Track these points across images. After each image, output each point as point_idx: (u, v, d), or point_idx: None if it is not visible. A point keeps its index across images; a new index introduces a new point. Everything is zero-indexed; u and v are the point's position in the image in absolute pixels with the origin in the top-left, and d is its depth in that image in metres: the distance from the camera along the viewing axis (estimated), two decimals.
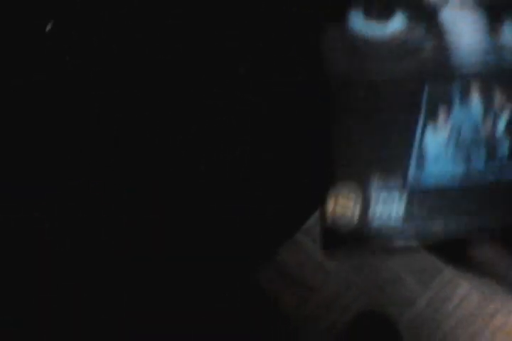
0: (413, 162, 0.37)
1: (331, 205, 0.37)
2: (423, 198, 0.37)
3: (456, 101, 0.38)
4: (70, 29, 0.42)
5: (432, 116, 0.37)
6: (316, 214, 0.39)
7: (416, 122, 0.37)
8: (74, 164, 0.41)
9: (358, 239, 0.37)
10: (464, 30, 0.39)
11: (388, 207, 0.37)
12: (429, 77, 0.38)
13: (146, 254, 0.40)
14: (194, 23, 0.41)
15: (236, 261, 0.41)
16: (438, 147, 0.37)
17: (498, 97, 0.38)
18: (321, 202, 0.37)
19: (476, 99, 0.38)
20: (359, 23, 0.39)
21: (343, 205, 0.37)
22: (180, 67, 0.41)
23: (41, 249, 0.40)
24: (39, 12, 0.42)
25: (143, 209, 0.40)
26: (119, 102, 0.41)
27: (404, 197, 0.37)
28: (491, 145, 0.37)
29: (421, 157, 0.37)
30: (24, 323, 0.39)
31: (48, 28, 0.42)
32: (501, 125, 0.37)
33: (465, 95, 0.38)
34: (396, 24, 0.39)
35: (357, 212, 0.37)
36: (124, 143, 0.41)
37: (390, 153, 0.38)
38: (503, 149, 0.37)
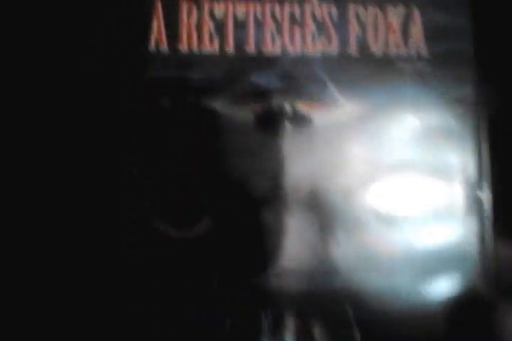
0: None
1: None
2: None
3: (264, 338, 0.30)
4: None
5: None
6: None
7: None
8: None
9: None
10: (288, 242, 0.30)
11: None
12: (232, 311, 0.30)
13: None
14: None
15: None
16: None
17: (317, 335, 0.30)
18: None
19: (289, 337, 0.30)
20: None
21: None
22: None
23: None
24: None
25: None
26: None
27: None
28: None
29: None
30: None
31: None
32: None
33: (275, 331, 0.30)
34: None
35: None
36: None
37: None
38: None
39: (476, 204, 0.31)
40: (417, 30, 0.32)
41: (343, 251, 0.31)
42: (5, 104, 0.33)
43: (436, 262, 0.31)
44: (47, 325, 0.34)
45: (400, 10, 0.32)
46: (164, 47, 0.31)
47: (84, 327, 0.32)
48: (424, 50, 0.32)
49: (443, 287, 0.31)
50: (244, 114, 0.31)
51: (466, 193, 0.31)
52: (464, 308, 0.31)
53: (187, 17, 0.31)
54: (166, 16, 0.31)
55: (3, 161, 0.35)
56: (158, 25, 0.31)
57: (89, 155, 0.31)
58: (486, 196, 0.31)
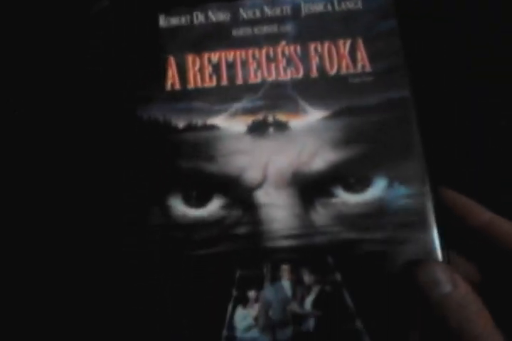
0: (224, 332, 0.39)
1: None
2: None
3: (266, 282, 0.40)
4: None
5: (242, 295, 0.40)
6: None
7: (226, 300, 0.40)
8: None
9: None
10: (278, 213, 0.41)
11: None
12: (240, 264, 0.40)
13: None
14: None
15: None
16: (248, 320, 0.40)
17: (307, 279, 0.40)
18: None
19: (285, 281, 0.40)
20: (179, 209, 0.41)
21: None
22: None
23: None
24: None
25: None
26: None
27: None
28: (297, 321, 0.39)
29: (231, 328, 0.39)
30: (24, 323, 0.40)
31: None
32: (308, 303, 0.39)
33: (275, 277, 0.40)
34: (213, 208, 0.41)
35: None
36: None
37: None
38: (309, 324, 0.39)
39: None
40: (361, 54, 0.43)
41: (321, 216, 0.40)
42: (5, 105, 0.41)
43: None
44: (46, 324, 0.39)
45: (348, 41, 0.44)
46: (177, 87, 0.43)
47: (84, 327, 0.40)
48: (368, 68, 0.43)
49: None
50: (238, 125, 0.42)
51: None
52: None
53: (192, 64, 0.44)
54: (177, 65, 0.44)
55: (3, 161, 0.41)
56: (172, 73, 0.44)
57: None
58: None
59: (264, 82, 0.43)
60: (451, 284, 0.37)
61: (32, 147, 0.43)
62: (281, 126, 0.42)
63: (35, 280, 0.41)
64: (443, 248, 0.40)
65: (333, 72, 0.43)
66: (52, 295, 0.41)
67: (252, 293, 0.39)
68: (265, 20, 0.45)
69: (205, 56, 0.44)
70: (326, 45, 0.44)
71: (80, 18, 0.45)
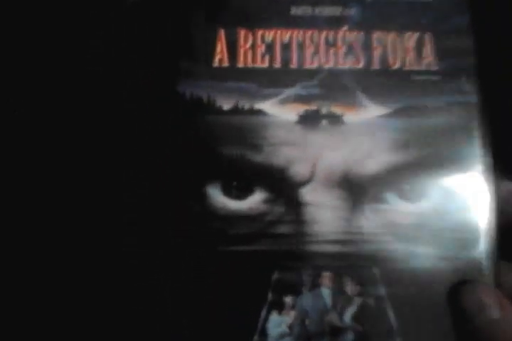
0: (256, 338, 0.36)
1: None
2: None
3: (305, 289, 0.37)
4: None
5: (278, 300, 0.36)
6: None
7: (261, 303, 0.36)
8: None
9: None
10: (324, 214, 0.37)
11: None
12: (278, 266, 0.37)
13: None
14: None
15: None
16: (283, 327, 0.36)
17: (349, 289, 0.37)
18: None
19: (325, 289, 0.37)
20: (217, 199, 0.37)
21: None
22: None
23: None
24: None
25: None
26: None
27: None
28: (335, 333, 0.36)
29: (264, 335, 0.36)
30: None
31: None
32: (348, 316, 0.36)
33: (315, 284, 0.37)
34: (254, 201, 0.38)
35: None
36: None
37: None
38: (348, 338, 0.36)
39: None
40: (428, 50, 0.40)
41: (370, 222, 0.37)
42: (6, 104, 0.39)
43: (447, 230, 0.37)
44: (47, 324, 0.37)
45: (415, 35, 0.40)
46: (225, 63, 0.39)
47: (84, 327, 0.38)
48: (434, 66, 0.40)
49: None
50: (288, 113, 0.39)
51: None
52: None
53: (244, 41, 0.40)
54: (228, 40, 0.40)
55: (3, 161, 0.38)
56: (221, 48, 0.40)
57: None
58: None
59: (320, 68, 0.39)
60: (498, 309, 0.34)
61: (61, 129, 0.41)
62: (336, 119, 0.39)
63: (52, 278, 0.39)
64: (495, 267, 0.37)
65: (396, 66, 0.40)
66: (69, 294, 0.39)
67: (288, 299, 0.36)
68: (328, 1, 0.41)
69: (259, 33, 0.40)
70: (391, 36, 0.40)
71: None
